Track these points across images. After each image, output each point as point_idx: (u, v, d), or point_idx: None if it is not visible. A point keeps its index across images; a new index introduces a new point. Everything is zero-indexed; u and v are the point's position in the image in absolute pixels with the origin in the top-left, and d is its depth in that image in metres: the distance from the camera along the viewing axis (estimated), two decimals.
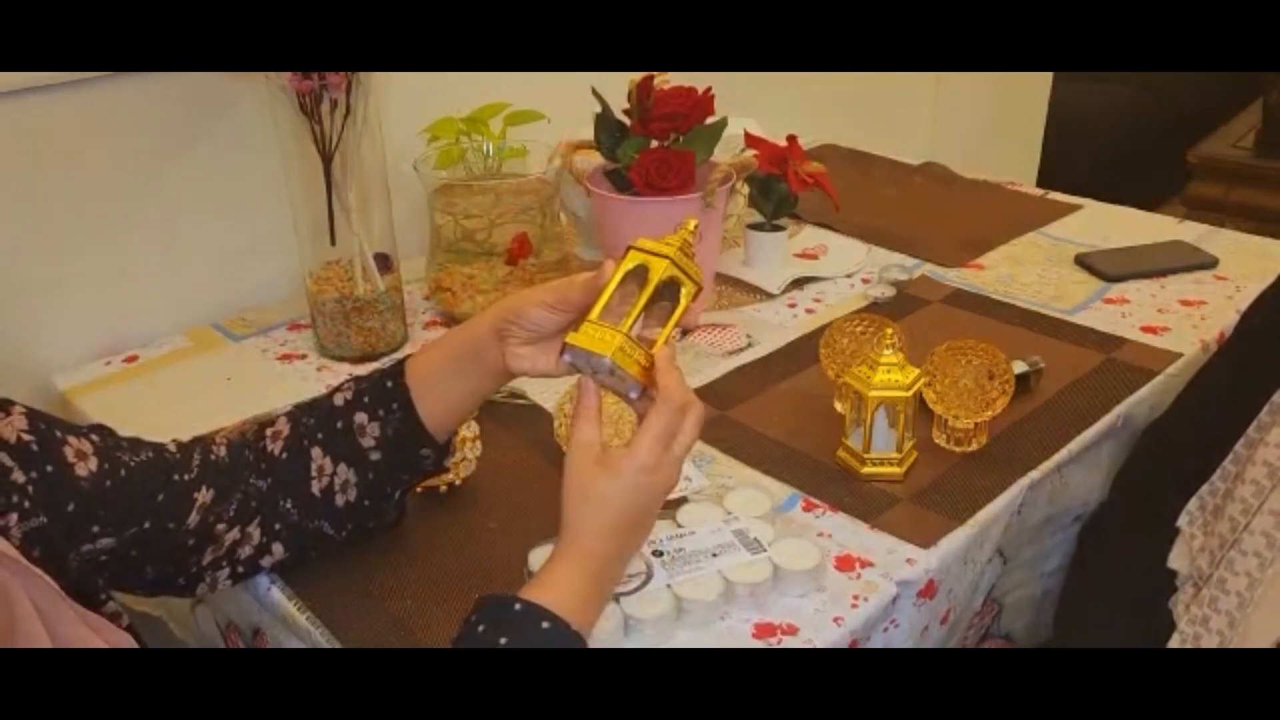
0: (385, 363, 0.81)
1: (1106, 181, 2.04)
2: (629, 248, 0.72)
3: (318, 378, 1.11)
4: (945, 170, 1.68)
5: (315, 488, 0.77)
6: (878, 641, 0.81)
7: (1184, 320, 1.19)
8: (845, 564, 0.82)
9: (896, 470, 0.91)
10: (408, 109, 1.21)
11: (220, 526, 0.75)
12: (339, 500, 0.78)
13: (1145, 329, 1.17)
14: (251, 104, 1.20)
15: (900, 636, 0.82)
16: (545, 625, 0.62)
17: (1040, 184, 1.81)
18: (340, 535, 0.80)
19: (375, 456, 0.77)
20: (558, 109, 1.28)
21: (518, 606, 0.63)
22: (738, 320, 1.22)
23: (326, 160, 1.05)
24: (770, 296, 1.27)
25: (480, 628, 0.63)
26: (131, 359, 1.17)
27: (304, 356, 1.16)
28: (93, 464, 0.68)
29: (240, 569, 0.78)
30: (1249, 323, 0.99)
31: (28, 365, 1.14)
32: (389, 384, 0.77)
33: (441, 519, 0.88)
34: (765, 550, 0.80)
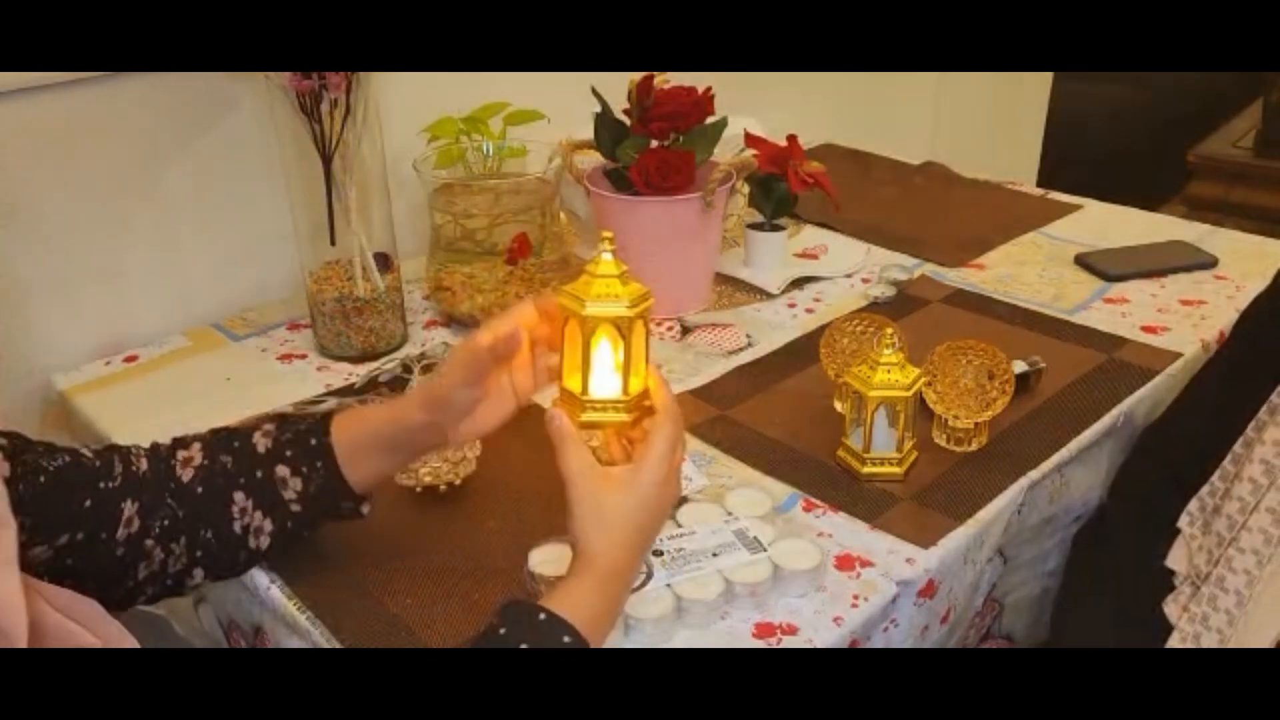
0: (309, 415, 0.80)
1: (1106, 181, 2.04)
2: (564, 308, 0.70)
3: (318, 377, 1.11)
4: (945, 170, 1.68)
5: (236, 527, 0.77)
6: (878, 641, 0.81)
7: (1184, 320, 1.19)
8: (845, 564, 0.82)
9: (896, 470, 0.91)
10: (408, 109, 1.21)
11: (149, 542, 0.73)
12: (253, 543, 0.77)
13: (1145, 329, 1.17)
14: (251, 104, 1.20)
15: (900, 636, 0.82)
16: (566, 639, 0.62)
17: (1040, 184, 1.81)
18: (254, 565, 0.80)
19: (295, 509, 0.77)
20: (558, 109, 1.28)
21: (542, 616, 0.63)
22: (738, 320, 1.22)
23: (326, 160, 1.05)
24: (770, 296, 1.27)
25: (502, 630, 0.63)
26: (131, 359, 1.17)
27: (304, 356, 1.16)
28: (4, 469, 0.65)
29: (169, 584, 0.76)
30: (1248, 323, 0.99)
31: (27, 365, 1.14)
32: (313, 441, 0.77)
33: (441, 519, 0.88)
34: (765, 550, 0.80)
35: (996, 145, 2.39)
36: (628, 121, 1.18)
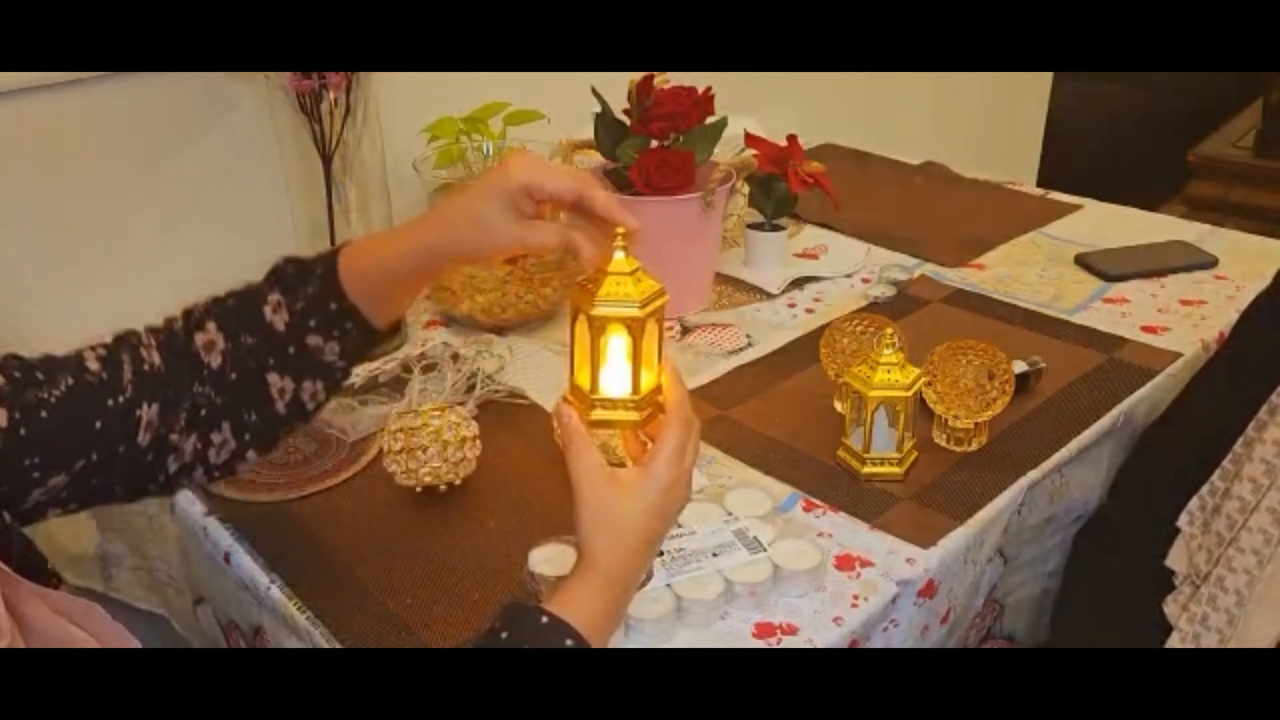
0: (310, 272, 0.74)
1: (1106, 181, 2.04)
2: (575, 305, 0.69)
3: None
4: (945, 170, 1.68)
5: (279, 406, 0.74)
6: (878, 641, 0.81)
7: (1184, 320, 1.19)
8: (845, 564, 0.82)
9: (896, 470, 0.91)
10: (408, 109, 1.21)
11: (174, 437, 0.71)
12: (309, 405, 0.75)
13: (1145, 329, 1.17)
14: (251, 104, 1.20)
15: (900, 636, 0.82)
16: (569, 643, 0.62)
17: (1040, 184, 1.81)
18: (310, 419, 0.77)
19: (341, 364, 0.75)
20: (558, 109, 1.28)
21: (544, 620, 0.62)
22: (737, 320, 1.22)
23: (326, 160, 1.05)
24: (770, 296, 1.27)
25: (504, 634, 0.62)
26: None
27: None
28: (1, 418, 0.62)
29: (216, 472, 0.74)
30: (1248, 323, 0.99)
31: None
32: (333, 306, 0.73)
33: (441, 518, 0.88)
34: (765, 550, 0.80)
35: (996, 145, 2.39)
36: (628, 121, 1.18)
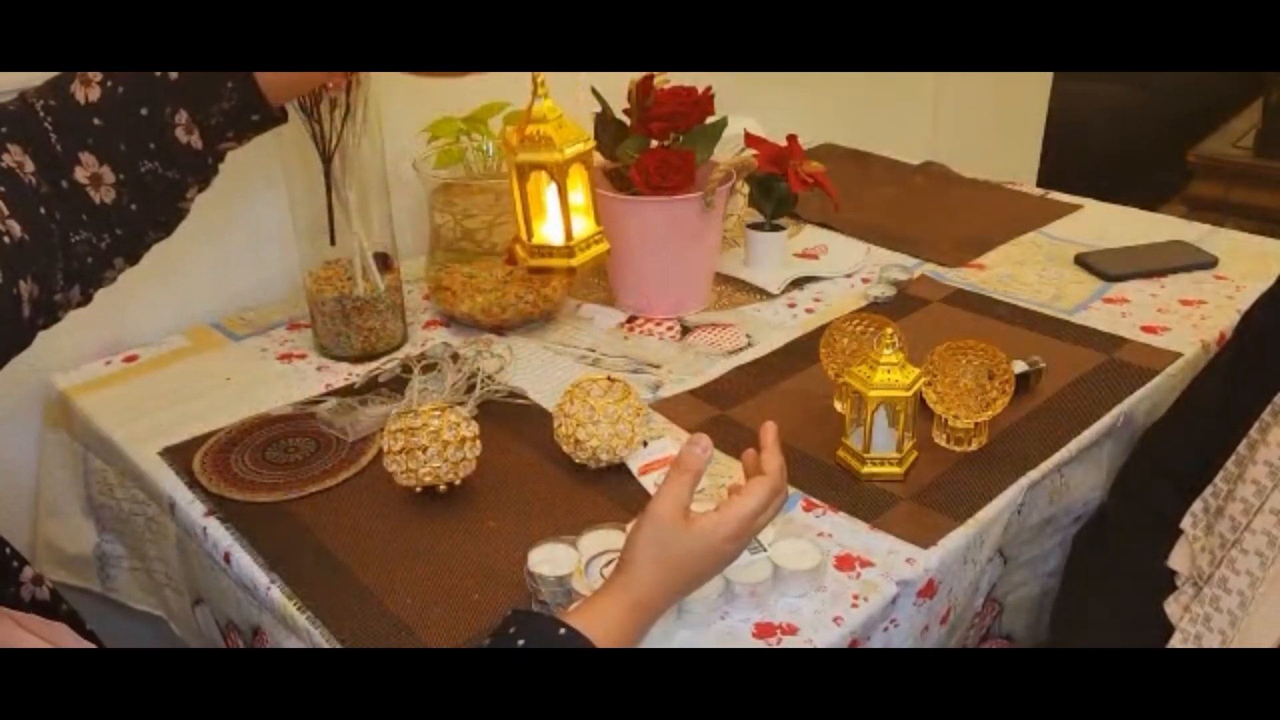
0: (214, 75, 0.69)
1: (1106, 181, 2.04)
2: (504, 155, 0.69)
3: (317, 377, 1.11)
4: (945, 170, 1.69)
5: (186, 209, 0.73)
6: (878, 641, 0.81)
7: (1184, 320, 1.19)
8: (845, 564, 0.82)
9: (896, 470, 0.91)
10: (408, 109, 1.21)
11: (56, 297, 0.67)
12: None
13: (1145, 329, 1.17)
14: None
15: (900, 636, 0.82)
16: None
17: (1040, 184, 1.81)
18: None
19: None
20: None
21: (563, 631, 0.62)
22: (737, 320, 1.22)
23: (326, 160, 1.05)
24: (770, 296, 1.27)
25: (520, 642, 0.62)
26: (131, 358, 1.17)
27: (304, 356, 1.16)
28: None
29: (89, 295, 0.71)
30: (1249, 323, 0.99)
31: (27, 365, 1.14)
32: (255, 117, 0.71)
33: (441, 519, 0.88)
34: (765, 550, 0.80)
35: (996, 145, 2.39)
36: (628, 121, 1.18)
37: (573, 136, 0.70)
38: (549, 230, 0.71)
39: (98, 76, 0.68)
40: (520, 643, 0.62)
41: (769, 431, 0.73)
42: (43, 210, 0.65)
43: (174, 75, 0.68)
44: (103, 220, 0.68)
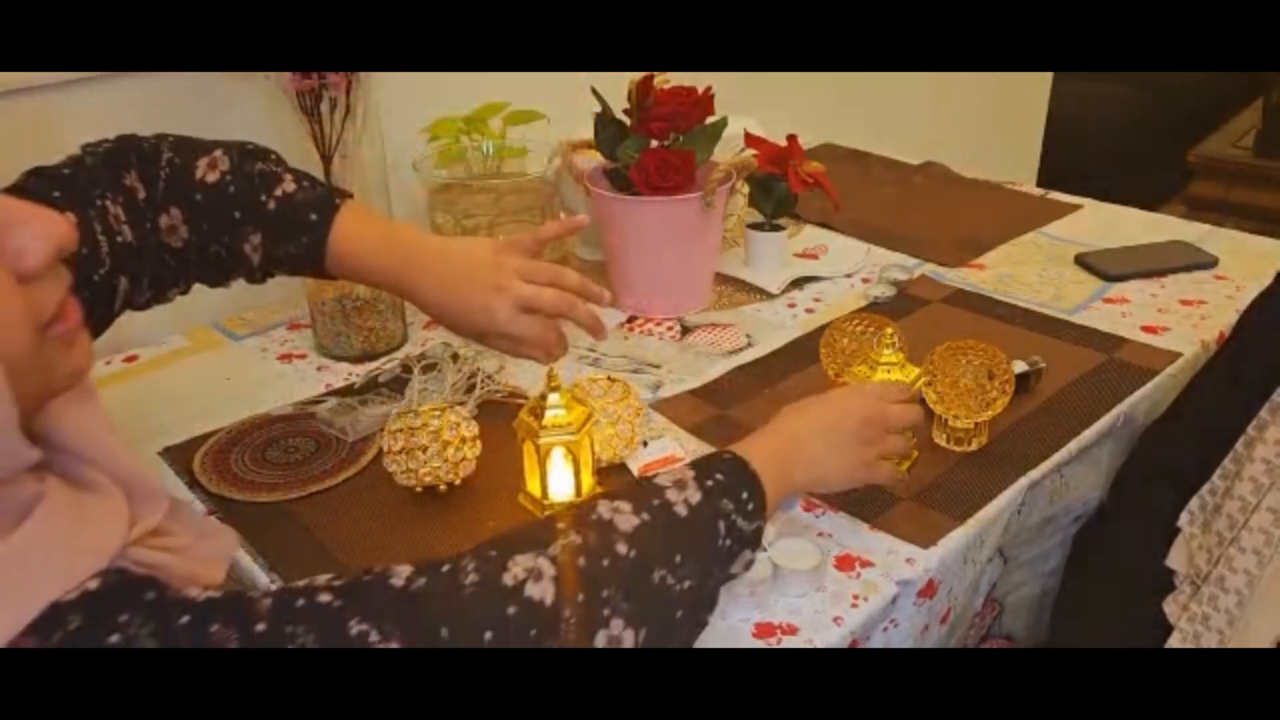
0: (299, 221, 0.82)
1: (1106, 181, 2.04)
2: (523, 430, 0.87)
3: (317, 377, 1.11)
4: (945, 170, 1.68)
5: (230, 284, 0.87)
6: (878, 641, 0.81)
7: (1184, 320, 1.19)
8: (845, 564, 0.82)
9: (897, 470, 0.91)
10: (408, 109, 1.21)
11: (136, 297, 0.79)
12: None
13: (1145, 329, 1.17)
14: (251, 104, 1.20)
15: (900, 636, 0.82)
16: (725, 455, 0.71)
17: (1040, 184, 1.81)
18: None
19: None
20: (558, 109, 1.28)
21: (728, 457, 0.71)
22: (737, 320, 1.22)
23: (326, 160, 1.05)
24: (770, 296, 1.27)
25: (691, 473, 0.68)
26: (131, 359, 1.17)
27: (304, 356, 1.16)
28: None
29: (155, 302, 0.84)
30: (1248, 322, 0.99)
31: None
32: (309, 269, 0.84)
33: (441, 519, 0.88)
34: (765, 550, 0.80)
35: (996, 145, 2.39)
36: (628, 121, 1.18)
37: (582, 415, 0.85)
38: (558, 489, 0.86)
39: (225, 165, 0.81)
40: (692, 474, 0.68)
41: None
42: (147, 226, 0.78)
43: (272, 205, 0.81)
44: (174, 254, 0.80)
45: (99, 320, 0.75)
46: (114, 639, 0.46)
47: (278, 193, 0.82)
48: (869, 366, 0.89)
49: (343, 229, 0.83)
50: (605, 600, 0.58)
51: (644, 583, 0.60)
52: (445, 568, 0.57)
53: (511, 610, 0.55)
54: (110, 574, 0.48)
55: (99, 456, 0.52)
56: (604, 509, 0.63)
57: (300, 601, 0.51)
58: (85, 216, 0.74)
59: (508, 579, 0.56)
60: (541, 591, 0.56)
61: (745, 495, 0.68)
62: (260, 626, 0.49)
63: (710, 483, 0.67)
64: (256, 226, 0.81)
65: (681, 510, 0.64)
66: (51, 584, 0.46)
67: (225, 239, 0.81)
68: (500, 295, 0.84)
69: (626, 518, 0.62)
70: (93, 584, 0.47)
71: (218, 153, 0.81)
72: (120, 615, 0.46)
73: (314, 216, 0.82)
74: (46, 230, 0.47)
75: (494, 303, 0.84)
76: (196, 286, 0.86)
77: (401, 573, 0.56)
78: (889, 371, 0.88)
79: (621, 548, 0.60)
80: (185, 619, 0.48)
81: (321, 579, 0.54)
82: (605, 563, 0.59)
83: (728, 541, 0.66)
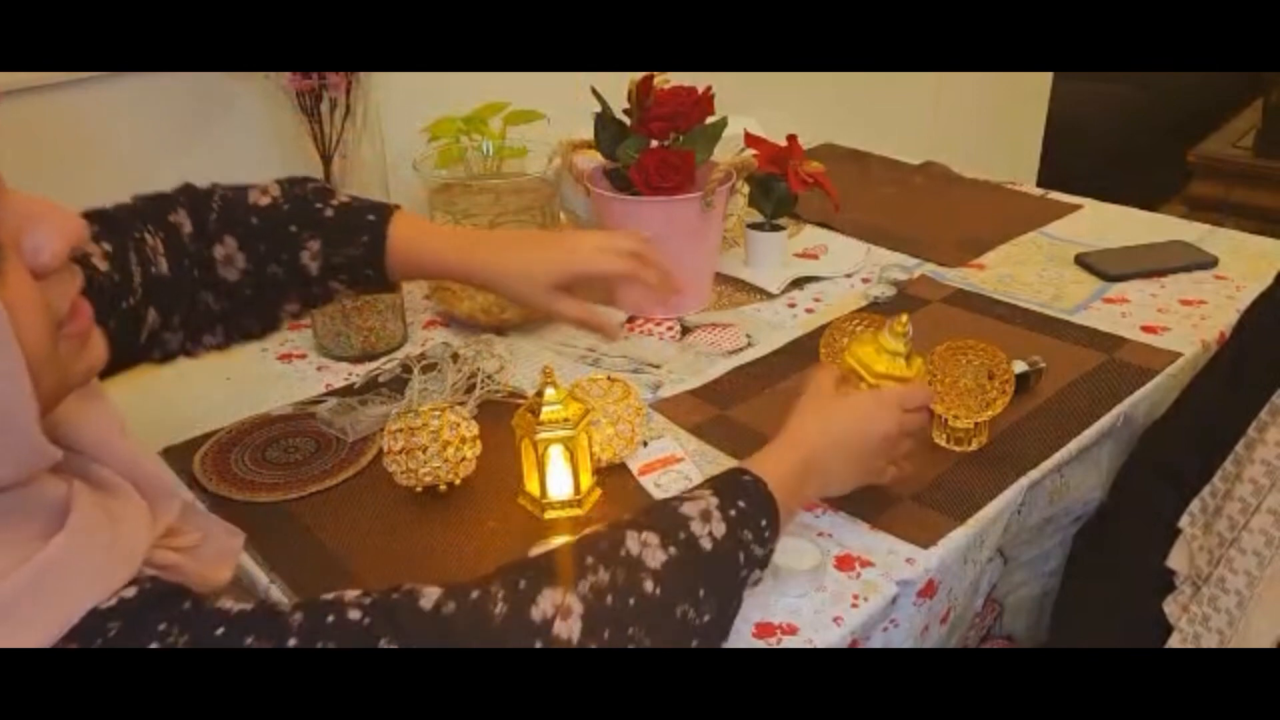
0: (359, 237, 0.82)
1: (1106, 181, 2.04)
2: (520, 429, 0.87)
3: (317, 377, 1.11)
4: (945, 170, 1.68)
5: (283, 322, 0.85)
6: (878, 641, 0.81)
7: (1184, 320, 1.19)
8: (845, 564, 0.82)
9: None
10: (408, 109, 1.21)
11: (166, 335, 0.77)
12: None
13: (1145, 329, 1.17)
14: (251, 104, 1.20)
15: (900, 636, 0.82)
16: (745, 478, 0.70)
17: (1040, 184, 1.81)
18: None
19: (347, 293, 0.86)
20: (558, 109, 1.28)
21: (746, 478, 0.71)
22: (737, 320, 1.22)
23: (326, 160, 1.05)
24: (770, 296, 1.27)
25: (708, 492, 0.69)
26: None
27: (304, 356, 1.16)
28: None
29: (183, 353, 0.82)
30: (1248, 323, 0.99)
31: None
32: (369, 273, 0.83)
33: (441, 519, 0.88)
34: None
35: (996, 145, 2.39)
36: (628, 121, 1.18)
37: (579, 412, 0.85)
38: (557, 487, 0.86)
39: (276, 191, 0.82)
40: (708, 492, 0.68)
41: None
42: (186, 262, 0.77)
43: (329, 213, 0.82)
44: (223, 291, 0.79)
45: (125, 349, 0.74)
46: (153, 647, 0.46)
47: (334, 202, 0.83)
48: (875, 350, 0.86)
49: (403, 221, 0.84)
50: (629, 638, 0.59)
51: (668, 620, 0.61)
52: (474, 594, 0.57)
53: (538, 645, 0.56)
54: (144, 581, 0.48)
55: (113, 456, 0.53)
56: (633, 543, 0.63)
57: (330, 617, 0.52)
58: (120, 245, 0.74)
59: (535, 614, 0.57)
60: (569, 631, 0.57)
61: (764, 523, 0.69)
62: (293, 642, 0.50)
63: (734, 512, 0.68)
64: (315, 233, 0.81)
65: (707, 544, 0.65)
66: (91, 590, 0.46)
67: (283, 255, 0.80)
68: (581, 237, 0.88)
69: (654, 552, 0.63)
70: (129, 591, 0.47)
71: (268, 182, 0.82)
72: (159, 624, 0.47)
73: (371, 217, 0.83)
74: (61, 226, 0.47)
75: (577, 242, 0.87)
76: None
77: (431, 595, 0.56)
78: (892, 360, 0.85)
79: (649, 585, 0.61)
80: (221, 630, 0.48)
81: (350, 594, 0.54)
82: (632, 601, 0.60)
83: (745, 571, 0.68)
